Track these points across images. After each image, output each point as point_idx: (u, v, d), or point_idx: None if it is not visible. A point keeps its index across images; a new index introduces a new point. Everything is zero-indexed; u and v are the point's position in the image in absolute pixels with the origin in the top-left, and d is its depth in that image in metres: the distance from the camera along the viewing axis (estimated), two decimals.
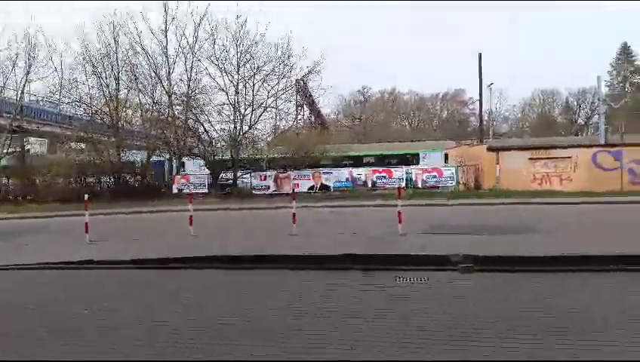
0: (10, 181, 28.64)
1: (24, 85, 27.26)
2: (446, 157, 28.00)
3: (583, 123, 60.84)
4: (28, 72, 26.75)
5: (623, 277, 5.83)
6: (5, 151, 28.42)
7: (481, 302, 4.94)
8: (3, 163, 28.44)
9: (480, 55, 28.80)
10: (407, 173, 24.34)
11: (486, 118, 45.67)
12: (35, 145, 34.53)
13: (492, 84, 43.28)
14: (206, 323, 4.36)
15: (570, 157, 22.19)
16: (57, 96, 29.00)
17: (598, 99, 35.08)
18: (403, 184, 23.44)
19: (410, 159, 28.62)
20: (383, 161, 28.74)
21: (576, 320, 4.18)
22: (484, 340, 3.82)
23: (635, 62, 60.07)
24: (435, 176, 23.69)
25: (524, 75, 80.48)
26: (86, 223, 9.88)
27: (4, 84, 27.29)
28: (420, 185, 23.49)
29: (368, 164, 27.40)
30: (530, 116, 65.41)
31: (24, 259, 7.89)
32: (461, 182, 23.61)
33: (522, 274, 6.14)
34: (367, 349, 3.27)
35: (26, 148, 31.45)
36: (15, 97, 27.86)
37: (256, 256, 7.83)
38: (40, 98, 30.34)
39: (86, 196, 10.96)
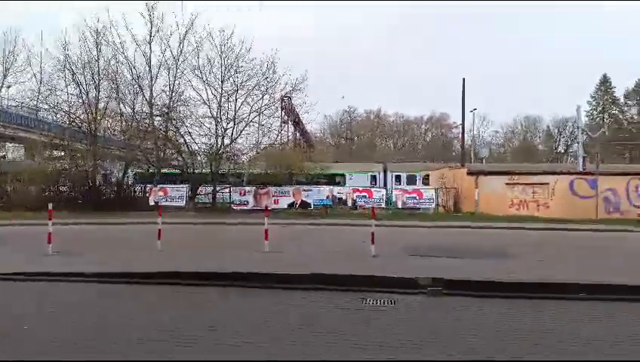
0: None
1: (0, 88, 26.69)
2: (427, 178, 28.25)
3: (562, 151, 62.18)
4: (5, 76, 26.25)
5: (583, 306, 5.72)
6: None
7: (444, 326, 4.79)
8: None
9: (464, 80, 29.24)
10: (387, 193, 24.32)
11: (469, 142, 46.26)
12: (11, 152, 33.73)
13: (475, 109, 44.22)
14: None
15: (547, 184, 22.42)
16: (35, 102, 28.47)
17: (578, 128, 35.85)
18: (383, 204, 23.39)
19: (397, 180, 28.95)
20: (363, 180, 28.93)
21: (535, 344, 3.99)
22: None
23: (614, 94, 62.02)
24: (415, 198, 23.66)
25: (508, 101, 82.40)
26: (49, 233, 9.45)
27: None
28: (400, 206, 23.41)
29: (349, 183, 27.53)
30: (512, 142, 66.68)
31: None
32: (441, 204, 23.63)
33: (489, 300, 6.02)
34: None
35: (1, 153, 30.66)
36: None
37: (218, 273, 7.57)
38: (18, 103, 29.71)
39: (50, 205, 10.46)
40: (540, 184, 22.55)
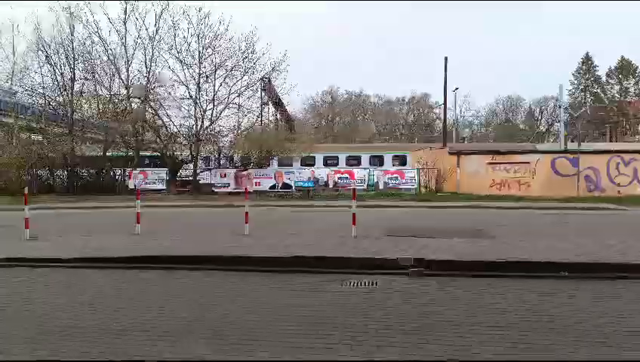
0: None
1: None
2: (406, 159, 28.34)
3: (544, 130, 62.87)
4: None
5: (564, 284, 5.77)
6: None
7: (427, 307, 4.76)
8: None
9: (446, 59, 29.02)
10: (369, 174, 24.33)
11: (451, 122, 46.39)
12: None
13: (457, 88, 44.12)
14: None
15: (529, 163, 22.63)
16: (9, 84, 27.53)
17: (559, 107, 36.13)
18: (365, 185, 23.41)
19: (377, 161, 28.83)
20: (348, 161, 28.80)
21: (518, 322, 3.96)
22: (419, 341, 3.56)
23: (596, 73, 62.58)
24: (397, 178, 23.72)
25: (490, 81, 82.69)
26: (26, 218, 9.20)
27: None
28: (381, 187, 23.46)
29: (331, 165, 27.40)
30: (493, 121, 67.17)
31: None
32: (423, 184, 23.75)
33: (473, 279, 6.04)
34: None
35: None
36: None
37: (197, 256, 7.44)
38: None
39: (25, 189, 10.21)
40: (522, 163, 22.76)
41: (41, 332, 4.16)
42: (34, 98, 25.86)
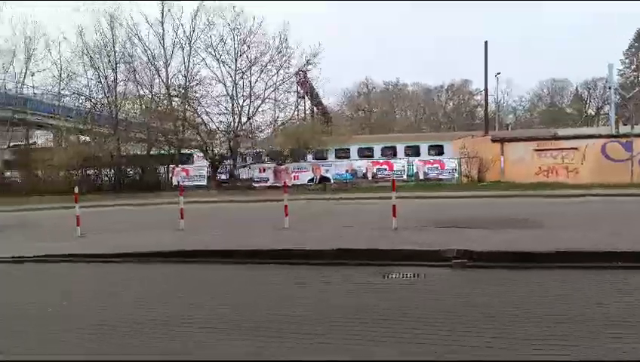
0: (12, 174, 28.62)
1: (24, 77, 27.17)
2: (443, 149, 27.60)
3: (593, 114, 59.65)
4: (27, 65, 26.66)
5: (617, 275, 5.39)
6: (8, 143, 28.39)
7: (471, 299, 4.57)
8: (6, 156, 28.42)
9: (486, 43, 27.88)
10: (408, 164, 23.88)
11: (493, 108, 44.90)
12: (40, 138, 34.55)
13: (499, 73, 42.41)
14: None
15: (577, 149, 21.56)
16: (57, 89, 28.95)
17: (609, 88, 34.07)
18: (404, 176, 23.03)
19: (413, 151, 28.25)
20: (384, 152, 28.38)
21: (570, 318, 3.69)
22: (468, 336, 3.39)
23: None
24: (437, 168, 23.19)
25: (533, 65, 79.17)
26: (77, 216, 9.63)
27: (5, 76, 27.21)
28: (421, 177, 23.00)
29: (366, 156, 27.09)
30: (538, 107, 64.35)
31: (13, 252, 7.73)
32: (464, 174, 23.11)
33: (519, 271, 5.77)
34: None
35: (30, 140, 31.47)
36: (15, 89, 27.77)
37: (239, 250, 7.51)
38: (41, 91, 30.23)
39: (76, 189, 10.70)
40: (570, 149, 21.70)
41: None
42: (80, 101, 27.08)
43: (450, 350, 3.36)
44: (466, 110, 62.72)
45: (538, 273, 5.68)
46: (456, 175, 22.87)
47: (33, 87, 29.29)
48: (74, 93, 27.03)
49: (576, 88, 61.95)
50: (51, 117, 29.88)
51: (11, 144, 29.02)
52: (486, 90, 30.20)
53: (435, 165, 23.48)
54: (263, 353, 3.44)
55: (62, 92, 28.77)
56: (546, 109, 62.61)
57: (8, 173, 28.40)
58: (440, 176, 22.94)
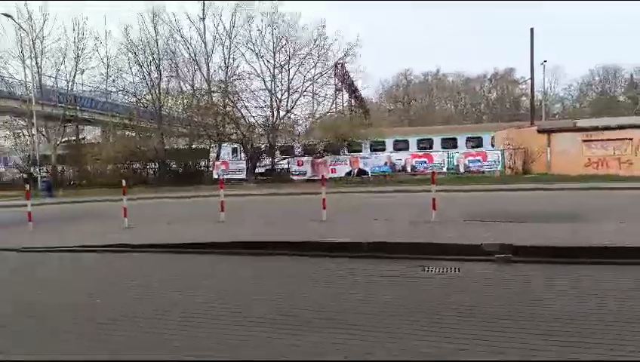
0: (64, 168, 30.21)
1: (74, 75, 28.49)
2: (482, 141, 26.84)
3: None
4: (77, 63, 27.93)
5: None
6: (60, 139, 29.94)
7: (518, 295, 4.41)
8: (59, 151, 30.00)
9: (532, 30, 26.68)
10: (448, 157, 23.36)
11: (539, 98, 43.01)
12: (89, 133, 36.23)
13: (545, 61, 40.65)
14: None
15: (631, 139, 20.34)
16: (104, 86, 30.20)
17: None
18: (444, 169, 22.53)
19: (450, 143, 27.64)
20: (419, 145, 27.93)
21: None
22: (513, 335, 3.26)
23: None
24: (479, 160, 22.52)
25: (583, 51, 75.18)
26: (124, 208, 10.01)
27: (57, 74, 28.63)
28: (462, 170, 22.42)
29: (401, 149, 26.75)
30: (588, 96, 61.12)
31: (67, 242, 8.17)
32: (508, 166, 22.34)
33: (565, 266, 5.51)
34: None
35: (80, 136, 33.06)
36: (66, 87, 29.19)
37: (276, 241, 7.61)
38: (90, 88, 31.63)
39: (124, 182, 11.12)
40: (622, 139, 20.50)
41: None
42: (126, 97, 28.14)
43: (500, 350, 3.26)
44: (510, 100, 60.47)
45: (589, 269, 5.41)
46: (500, 167, 22.13)
47: (82, 84, 30.72)
48: (120, 89, 28.14)
49: (631, 75, 58.35)
50: (99, 113, 31.28)
51: (63, 140, 30.56)
52: (532, 78, 28.94)
53: (477, 157, 22.82)
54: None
55: (109, 89, 30.05)
56: (597, 98, 59.38)
57: (60, 167, 30.00)
58: (482, 169, 22.27)
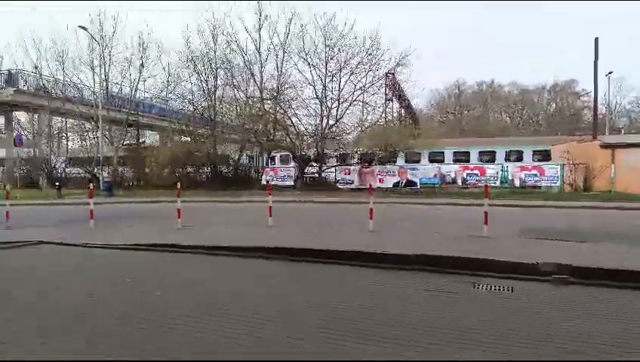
0: (125, 169, 31.94)
1: (138, 83, 30.17)
2: (550, 154, 25.50)
3: None
4: (141, 72, 29.57)
5: None
6: (122, 142, 31.75)
7: (575, 319, 4.14)
8: (120, 153, 31.79)
9: (596, 40, 25.34)
10: (502, 170, 22.51)
11: (603, 111, 40.64)
12: (148, 138, 38.20)
13: (611, 72, 38.37)
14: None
15: None
16: (164, 93, 31.74)
17: None
18: (498, 183, 21.74)
19: (515, 156, 26.55)
20: (481, 157, 27.03)
21: None
22: None
23: None
24: (535, 175, 21.54)
25: None
26: (178, 210, 10.45)
27: (122, 82, 30.44)
28: (517, 184, 21.54)
29: (461, 160, 26.00)
30: None
31: (122, 240, 8.63)
32: (567, 182, 21.21)
33: (630, 292, 5.12)
34: None
35: (141, 140, 34.91)
36: (130, 94, 30.95)
37: (320, 250, 7.61)
38: (151, 95, 33.34)
39: (178, 185, 11.66)
40: None
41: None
42: (184, 104, 29.43)
43: None
44: (571, 113, 57.57)
45: None
46: (559, 183, 21.05)
47: (144, 91, 32.43)
48: (179, 97, 29.48)
49: None
50: (159, 119, 32.88)
51: (125, 143, 32.36)
52: (595, 90, 27.40)
53: (533, 171, 21.84)
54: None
55: (169, 96, 31.54)
56: None
57: (121, 169, 31.75)
58: (539, 183, 21.28)
